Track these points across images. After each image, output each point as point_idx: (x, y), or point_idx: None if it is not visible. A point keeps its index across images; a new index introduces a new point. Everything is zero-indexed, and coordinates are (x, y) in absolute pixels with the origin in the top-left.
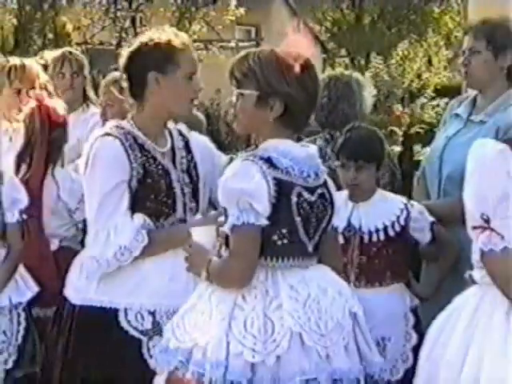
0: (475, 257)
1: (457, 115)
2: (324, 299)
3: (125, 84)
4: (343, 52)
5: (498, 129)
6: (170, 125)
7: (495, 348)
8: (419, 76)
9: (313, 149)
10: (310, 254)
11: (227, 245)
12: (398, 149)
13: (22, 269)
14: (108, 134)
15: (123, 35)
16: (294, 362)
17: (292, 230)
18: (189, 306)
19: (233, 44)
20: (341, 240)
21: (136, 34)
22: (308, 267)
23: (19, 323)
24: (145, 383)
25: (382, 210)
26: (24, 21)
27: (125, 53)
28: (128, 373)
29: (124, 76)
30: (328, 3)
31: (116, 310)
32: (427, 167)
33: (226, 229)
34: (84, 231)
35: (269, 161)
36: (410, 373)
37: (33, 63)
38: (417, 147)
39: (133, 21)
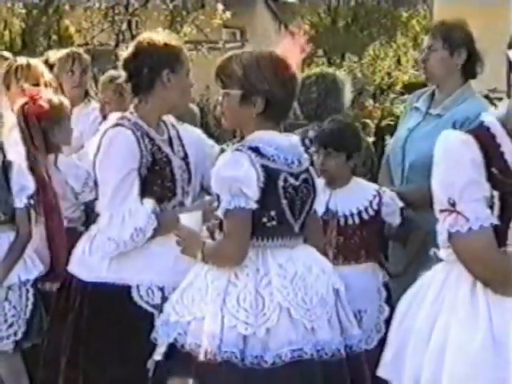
0: (442, 237)
1: (416, 108)
2: (309, 276)
3: (126, 79)
4: (320, 52)
5: (455, 121)
6: (164, 116)
7: (460, 319)
8: (389, 74)
9: (295, 138)
10: (297, 234)
11: (221, 228)
12: (370, 139)
13: (29, 249)
14: (119, 125)
15: (120, 37)
16: (282, 334)
17: (279, 212)
18: (187, 284)
19: (220, 45)
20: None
21: (132, 36)
22: (294, 247)
23: (27, 299)
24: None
25: (356, 196)
26: (31, 24)
27: (129, 52)
28: (142, 343)
29: (125, 73)
30: (306, 8)
31: (129, 287)
32: (391, 156)
33: (219, 213)
34: (87, 214)
35: (256, 150)
36: (383, 342)
37: (38, 63)
38: (388, 138)
39: (129, 24)
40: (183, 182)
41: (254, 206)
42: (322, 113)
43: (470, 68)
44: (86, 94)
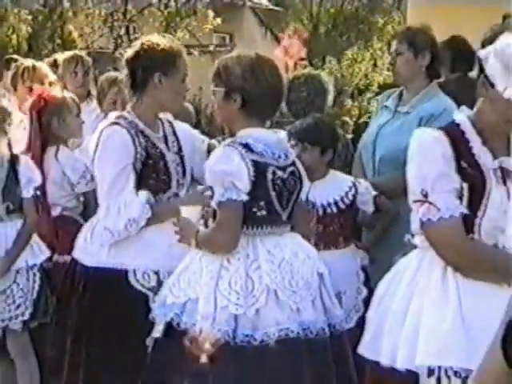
0: (415, 226)
1: (386, 107)
2: (296, 261)
3: (126, 78)
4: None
5: (421, 118)
6: (160, 114)
7: (432, 300)
8: (366, 76)
9: (282, 134)
10: (285, 222)
11: (215, 217)
12: (349, 136)
13: (35, 236)
14: (115, 124)
15: (119, 41)
16: (270, 314)
17: (268, 202)
18: (183, 268)
19: (211, 48)
20: None
21: (130, 41)
22: (283, 234)
23: (34, 281)
24: (151, 329)
25: (333, 188)
26: (36, 29)
27: (131, 51)
28: (139, 322)
29: (126, 71)
30: (289, 15)
31: (126, 271)
32: (363, 151)
33: (213, 204)
34: (85, 204)
35: (246, 146)
36: (361, 321)
37: (42, 65)
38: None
39: (127, 29)
40: (178, 174)
41: (245, 197)
42: (310, 111)
43: (434, 69)
44: (89, 93)
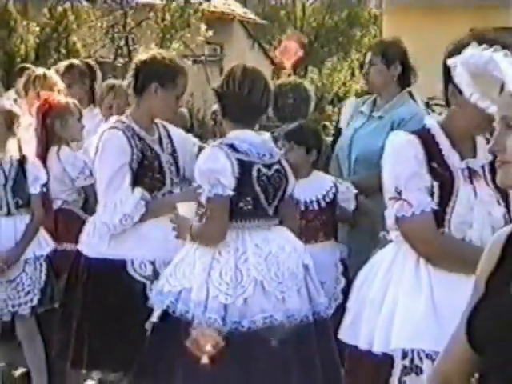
0: (390, 221)
1: (361, 112)
2: (282, 254)
3: (131, 81)
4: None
5: (393, 122)
6: (156, 119)
7: (406, 290)
8: (344, 84)
9: (266, 135)
10: (271, 216)
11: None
12: (329, 139)
13: (42, 229)
14: (113, 127)
15: (119, 51)
16: (256, 304)
17: (254, 197)
18: (179, 259)
19: (203, 58)
20: None
21: (129, 51)
22: (270, 228)
23: (41, 271)
24: (148, 315)
25: (316, 186)
26: (43, 39)
27: (142, 57)
28: (136, 307)
29: (132, 73)
30: (275, 28)
31: (124, 261)
32: (340, 152)
33: (202, 200)
34: (85, 199)
35: (232, 146)
36: (340, 309)
37: (52, 74)
38: None
39: (126, 40)
40: (171, 173)
41: (231, 193)
42: (296, 116)
43: (405, 78)
44: (92, 99)
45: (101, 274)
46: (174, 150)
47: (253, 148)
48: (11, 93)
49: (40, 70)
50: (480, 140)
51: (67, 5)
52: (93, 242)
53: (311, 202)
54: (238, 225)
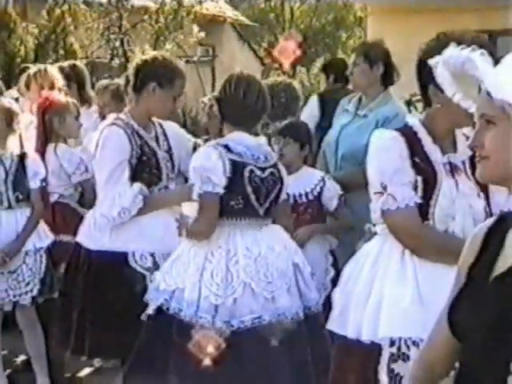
0: (375, 215)
1: (347, 110)
2: (271, 255)
3: (131, 79)
4: (276, 65)
5: (378, 120)
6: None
7: (393, 281)
8: None
9: (262, 139)
10: (262, 216)
11: None
12: None
13: (42, 222)
14: (114, 124)
15: (114, 52)
16: (245, 304)
17: (245, 197)
18: (175, 257)
19: (195, 59)
20: None
21: (124, 51)
22: (261, 227)
23: (41, 262)
24: (147, 305)
25: (304, 181)
26: (42, 41)
27: (145, 57)
28: (137, 298)
29: (132, 72)
30: (265, 30)
31: (125, 253)
32: (327, 148)
33: (194, 197)
34: (81, 193)
35: (226, 147)
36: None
37: (53, 70)
38: None
39: (122, 41)
40: (167, 169)
41: (221, 190)
42: (287, 115)
43: (388, 77)
44: (89, 98)
45: (102, 266)
46: (169, 148)
47: (247, 150)
48: (13, 92)
49: (41, 66)
50: (460, 136)
51: (65, 7)
52: (94, 235)
53: (300, 195)
54: (228, 222)
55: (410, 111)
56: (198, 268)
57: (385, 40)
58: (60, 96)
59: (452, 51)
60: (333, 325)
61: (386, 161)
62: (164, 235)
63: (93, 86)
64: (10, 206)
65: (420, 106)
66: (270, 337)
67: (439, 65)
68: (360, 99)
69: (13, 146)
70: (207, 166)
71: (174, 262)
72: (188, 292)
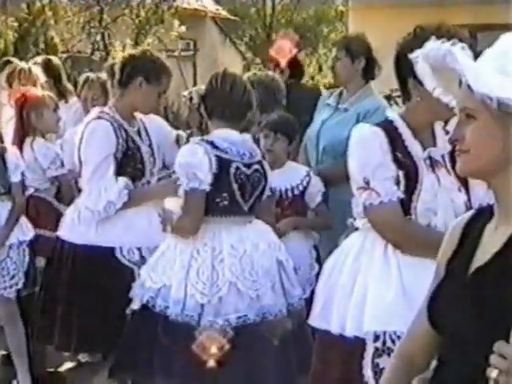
0: (358, 210)
1: (328, 104)
2: (256, 253)
3: (117, 72)
4: (258, 60)
5: (359, 114)
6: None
7: (376, 276)
8: (313, 78)
9: (247, 136)
10: (247, 213)
11: None
12: None
13: (23, 216)
14: (100, 118)
15: (95, 46)
16: (231, 303)
17: (230, 194)
18: (160, 253)
19: (176, 53)
20: None
21: (105, 45)
22: (246, 224)
23: (24, 255)
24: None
25: (290, 176)
26: (22, 34)
27: (133, 51)
28: (124, 291)
29: (119, 66)
30: (246, 24)
31: (112, 248)
32: (308, 142)
33: (180, 193)
34: (58, 188)
35: (212, 143)
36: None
37: (37, 69)
38: None
39: (102, 35)
40: (150, 164)
41: (207, 187)
42: (275, 107)
43: (369, 72)
44: (65, 91)
45: (89, 260)
46: (150, 143)
47: (233, 147)
48: None
49: (24, 64)
50: (438, 130)
51: (45, 0)
52: (79, 230)
53: (286, 190)
54: (213, 220)
55: (390, 106)
56: (183, 266)
57: (366, 35)
58: (36, 91)
59: (433, 44)
60: (315, 320)
61: (368, 156)
62: (148, 229)
63: (74, 80)
64: None
65: (400, 101)
66: (272, 336)
67: (419, 58)
68: (341, 93)
69: None
70: (193, 162)
71: (159, 258)
72: (174, 290)
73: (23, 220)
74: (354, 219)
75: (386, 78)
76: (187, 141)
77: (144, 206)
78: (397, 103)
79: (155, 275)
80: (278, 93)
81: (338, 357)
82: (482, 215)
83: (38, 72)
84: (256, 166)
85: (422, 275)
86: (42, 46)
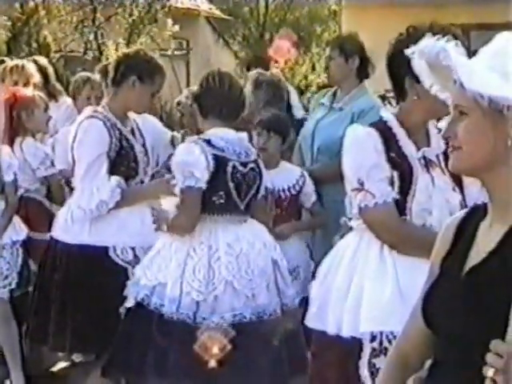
0: (353, 210)
1: (322, 104)
2: (252, 252)
3: (111, 71)
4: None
5: (353, 113)
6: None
7: (373, 275)
8: (306, 77)
9: (243, 135)
10: (242, 211)
11: None
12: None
13: (16, 216)
14: (93, 117)
15: (88, 45)
16: (227, 301)
17: (227, 192)
18: (155, 252)
19: (169, 52)
20: None
21: (98, 44)
22: (242, 223)
23: (18, 255)
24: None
25: (285, 176)
26: (15, 33)
27: (127, 51)
28: (119, 291)
29: (113, 65)
30: (239, 24)
31: (106, 248)
32: (302, 142)
33: (176, 191)
34: (48, 187)
35: (209, 142)
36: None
37: (30, 66)
38: None
39: (95, 35)
40: (144, 163)
41: (203, 185)
42: (276, 105)
43: (363, 71)
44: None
45: (82, 260)
46: (144, 142)
47: (229, 145)
48: None
49: (18, 61)
50: (432, 130)
51: (38, 0)
52: (72, 230)
53: (284, 190)
54: (209, 218)
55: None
56: (179, 264)
57: (359, 34)
58: (27, 90)
59: (427, 41)
60: (311, 321)
61: (362, 157)
62: (142, 229)
63: (67, 80)
64: None
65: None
66: (272, 336)
67: (415, 55)
68: (335, 93)
69: None
70: (189, 160)
71: (154, 256)
72: (170, 288)
73: (16, 220)
74: (349, 219)
75: (380, 78)
76: (183, 141)
77: (137, 205)
78: (391, 103)
79: (150, 273)
80: (284, 93)
81: (334, 357)
82: (476, 213)
83: (33, 70)
84: (252, 165)
85: (417, 275)
86: (34, 45)
